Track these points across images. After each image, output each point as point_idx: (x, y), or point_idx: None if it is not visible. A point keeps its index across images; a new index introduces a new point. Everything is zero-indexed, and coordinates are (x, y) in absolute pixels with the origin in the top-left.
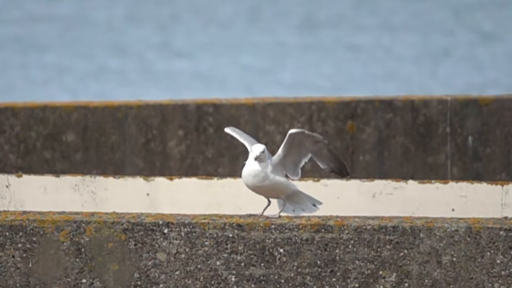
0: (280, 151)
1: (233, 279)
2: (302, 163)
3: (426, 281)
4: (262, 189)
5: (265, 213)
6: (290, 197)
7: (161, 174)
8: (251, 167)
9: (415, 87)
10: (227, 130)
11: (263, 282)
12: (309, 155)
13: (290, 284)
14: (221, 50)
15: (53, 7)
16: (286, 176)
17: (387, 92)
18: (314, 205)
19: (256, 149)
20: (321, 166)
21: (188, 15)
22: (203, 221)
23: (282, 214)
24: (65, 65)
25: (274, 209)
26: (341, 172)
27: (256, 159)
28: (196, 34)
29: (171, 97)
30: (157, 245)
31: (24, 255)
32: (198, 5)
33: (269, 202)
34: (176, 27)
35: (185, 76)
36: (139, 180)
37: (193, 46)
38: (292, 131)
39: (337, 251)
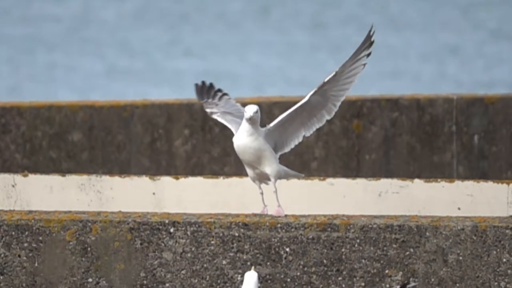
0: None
1: (239, 278)
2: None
3: (432, 279)
4: (251, 152)
5: (271, 214)
6: (274, 171)
7: (167, 173)
8: (244, 127)
9: (423, 85)
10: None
11: (269, 281)
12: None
13: (296, 283)
14: (229, 49)
15: (61, 6)
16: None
17: (395, 91)
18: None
19: (249, 109)
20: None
21: (197, 14)
22: (209, 220)
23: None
24: (72, 64)
25: (273, 207)
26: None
27: (249, 119)
28: (205, 33)
29: (181, 96)
30: (163, 244)
31: (30, 254)
32: (206, 3)
33: (261, 190)
34: (185, 25)
35: (194, 75)
36: (145, 180)
37: (201, 45)
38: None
39: (343, 250)
